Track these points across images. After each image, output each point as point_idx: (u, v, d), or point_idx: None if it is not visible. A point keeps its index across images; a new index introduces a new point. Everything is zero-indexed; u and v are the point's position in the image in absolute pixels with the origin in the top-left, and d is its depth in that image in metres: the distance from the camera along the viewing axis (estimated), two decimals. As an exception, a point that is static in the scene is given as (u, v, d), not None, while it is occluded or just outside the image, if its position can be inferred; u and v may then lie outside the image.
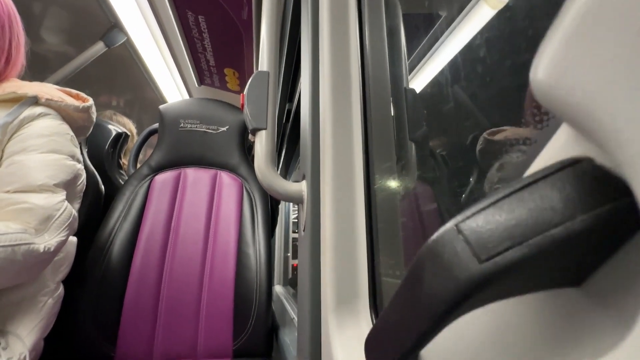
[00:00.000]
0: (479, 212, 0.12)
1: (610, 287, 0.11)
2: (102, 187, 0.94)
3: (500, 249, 0.10)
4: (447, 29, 0.47)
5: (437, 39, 0.51)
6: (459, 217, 0.12)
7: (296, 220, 2.04)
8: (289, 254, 1.90)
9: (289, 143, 1.25)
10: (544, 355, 0.12)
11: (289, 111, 1.11)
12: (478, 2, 0.41)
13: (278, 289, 1.66)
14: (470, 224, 0.12)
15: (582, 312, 0.11)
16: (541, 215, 0.10)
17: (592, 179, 0.10)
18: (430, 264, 0.12)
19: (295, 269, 1.91)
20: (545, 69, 0.10)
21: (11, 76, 0.70)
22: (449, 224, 0.12)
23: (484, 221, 0.11)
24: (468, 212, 0.12)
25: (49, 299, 0.63)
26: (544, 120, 0.19)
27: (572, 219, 0.10)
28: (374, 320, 0.37)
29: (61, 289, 0.68)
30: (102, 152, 1.04)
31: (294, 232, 2.00)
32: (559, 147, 0.12)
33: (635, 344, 0.08)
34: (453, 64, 0.41)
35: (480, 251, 0.11)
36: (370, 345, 0.18)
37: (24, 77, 0.74)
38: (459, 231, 0.12)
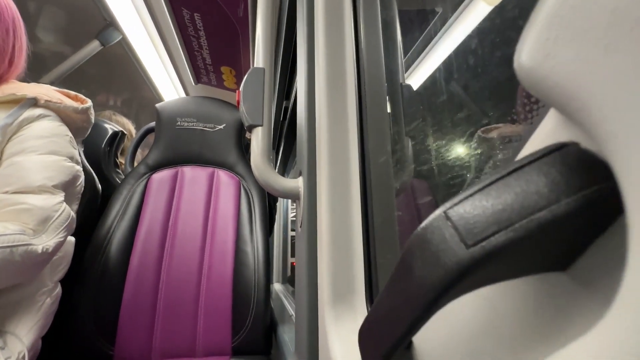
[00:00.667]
0: (466, 198, 0.12)
1: (595, 270, 0.11)
2: (99, 186, 0.94)
3: (486, 233, 0.11)
4: (443, 25, 0.47)
5: (433, 35, 0.51)
6: (447, 204, 0.12)
7: (294, 218, 2.04)
8: (288, 252, 1.90)
9: (287, 140, 1.25)
10: (532, 338, 0.13)
11: (286, 109, 1.10)
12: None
13: (277, 286, 1.67)
14: (458, 210, 0.12)
15: (569, 295, 0.12)
16: (527, 199, 0.10)
17: (577, 163, 0.10)
18: (420, 251, 0.12)
19: (294, 267, 1.91)
20: (528, 52, 0.10)
21: (11, 78, 0.70)
22: (438, 211, 0.12)
23: (471, 207, 0.11)
24: (456, 199, 0.12)
25: (47, 299, 0.63)
26: (533, 111, 0.19)
27: (557, 202, 0.10)
28: (370, 314, 0.37)
29: (59, 288, 0.68)
30: (99, 151, 1.04)
31: (292, 230, 2.00)
32: (547, 133, 0.12)
33: (611, 324, 0.08)
34: (449, 61, 0.41)
35: (468, 236, 0.11)
36: (364, 335, 0.18)
37: (20, 76, 0.74)
38: (447, 217, 0.12)
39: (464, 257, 0.11)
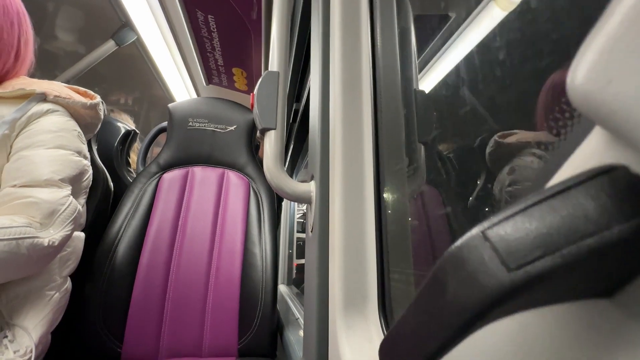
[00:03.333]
0: (506, 219, 0.11)
1: (645, 299, 0.10)
2: (111, 184, 0.95)
3: (530, 257, 0.10)
4: (456, 30, 0.46)
5: (446, 40, 0.50)
6: (485, 224, 0.12)
7: (301, 220, 2.04)
8: (292, 252, 1.90)
9: (296, 143, 1.25)
10: (571, 368, 0.12)
11: (296, 111, 1.11)
12: (488, 3, 0.41)
13: (282, 288, 1.66)
14: (498, 231, 0.11)
15: (613, 324, 0.11)
16: (575, 223, 0.10)
17: (629, 188, 0.10)
18: (455, 271, 0.12)
19: (297, 268, 1.91)
20: (586, 75, 0.09)
21: (21, 73, 0.71)
22: (475, 230, 0.12)
23: (512, 229, 0.11)
24: (495, 219, 0.12)
25: (55, 293, 0.64)
26: (564, 125, 0.18)
27: (609, 228, 0.09)
28: (384, 324, 0.36)
29: (68, 284, 0.69)
30: (112, 150, 1.05)
31: (298, 231, 2.00)
32: (589, 154, 0.12)
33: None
34: (462, 66, 0.41)
35: (509, 259, 0.11)
36: (386, 351, 0.18)
37: (34, 75, 0.75)
38: (486, 238, 0.11)
39: (505, 280, 0.10)
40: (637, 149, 0.09)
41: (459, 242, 0.12)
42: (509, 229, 0.11)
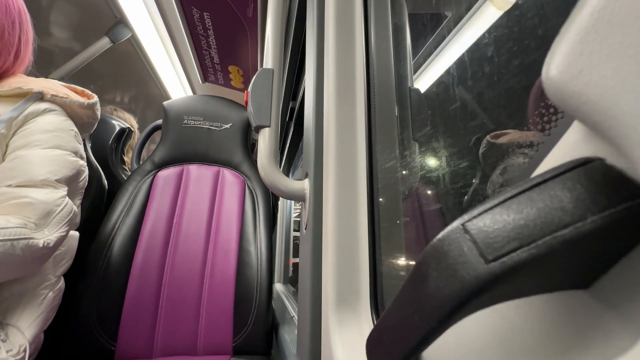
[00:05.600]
0: (485, 211, 0.12)
1: (620, 289, 0.11)
2: (106, 182, 0.94)
3: (508, 249, 0.10)
4: (452, 29, 0.46)
5: (442, 39, 0.50)
6: (465, 217, 0.12)
7: (297, 219, 2.04)
8: (290, 252, 1.90)
9: (292, 141, 1.25)
10: (547, 356, 0.12)
11: (292, 109, 1.10)
12: (484, 2, 0.41)
13: (278, 286, 1.67)
14: (477, 224, 0.11)
15: (590, 314, 0.11)
16: (550, 215, 0.10)
17: (604, 180, 0.10)
18: (436, 263, 0.12)
19: (293, 266, 1.91)
20: (559, 65, 0.09)
21: (18, 72, 0.71)
22: (455, 223, 0.12)
23: (491, 221, 0.11)
24: (474, 212, 0.12)
25: (49, 293, 0.64)
26: (550, 122, 0.18)
27: (583, 219, 0.09)
28: (375, 319, 0.37)
29: (62, 283, 0.68)
30: (106, 148, 1.04)
31: (295, 230, 2.00)
32: (569, 147, 0.12)
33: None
34: (457, 65, 0.41)
35: (487, 251, 0.11)
36: (372, 344, 0.18)
37: (28, 71, 0.75)
38: (466, 230, 0.12)
39: (483, 271, 0.11)
40: (610, 140, 0.09)
41: (440, 235, 0.12)
42: (487, 221, 0.11)
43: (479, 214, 0.12)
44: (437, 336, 0.13)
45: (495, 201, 0.11)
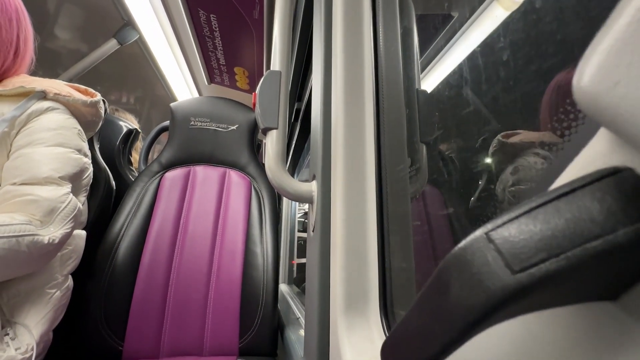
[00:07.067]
0: (510, 220, 0.11)
1: (650, 302, 0.10)
2: (113, 182, 0.95)
3: (535, 260, 0.10)
4: (458, 30, 0.46)
5: (448, 40, 0.50)
6: (488, 225, 0.12)
7: (302, 219, 2.04)
8: (293, 251, 1.90)
9: (297, 142, 1.25)
10: (575, 370, 0.12)
11: (298, 110, 1.11)
12: (491, 3, 0.41)
13: (283, 287, 1.67)
14: (502, 233, 0.11)
15: (618, 327, 0.11)
16: (579, 226, 0.10)
17: (635, 190, 0.10)
18: (458, 272, 0.12)
19: (297, 267, 1.91)
20: (593, 76, 0.09)
21: (21, 71, 0.71)
22: (478, 232, 0.12)
23: (517, 230, 0.11)
24: (499, 221, 0.12)
25: (56, 291, 0.64)
26: (570, 128, 0.18)
27: (614, 231, 0.09)
28: (384, 324, 0.36)
29: (70, 282, 0.69)
30: (114, 149, 1.05)
31: (299, 230, 2.00)
32: (594, 155, 0.12)
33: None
34: (464, 66, 0.40)
35: (514, 262, 0.11)
36: (388, 351, 0.18)
37: (36, 73, 0.75)
38: (490, 240, 0.11)
39: (510, 282, 0.10)
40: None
41: (462, 244, 0.12)
42: (513, 231, 0.11)
43: (503, 223, 0.11)
44: (457, 346, 0.13)
45: (520, 210, 0.11)
